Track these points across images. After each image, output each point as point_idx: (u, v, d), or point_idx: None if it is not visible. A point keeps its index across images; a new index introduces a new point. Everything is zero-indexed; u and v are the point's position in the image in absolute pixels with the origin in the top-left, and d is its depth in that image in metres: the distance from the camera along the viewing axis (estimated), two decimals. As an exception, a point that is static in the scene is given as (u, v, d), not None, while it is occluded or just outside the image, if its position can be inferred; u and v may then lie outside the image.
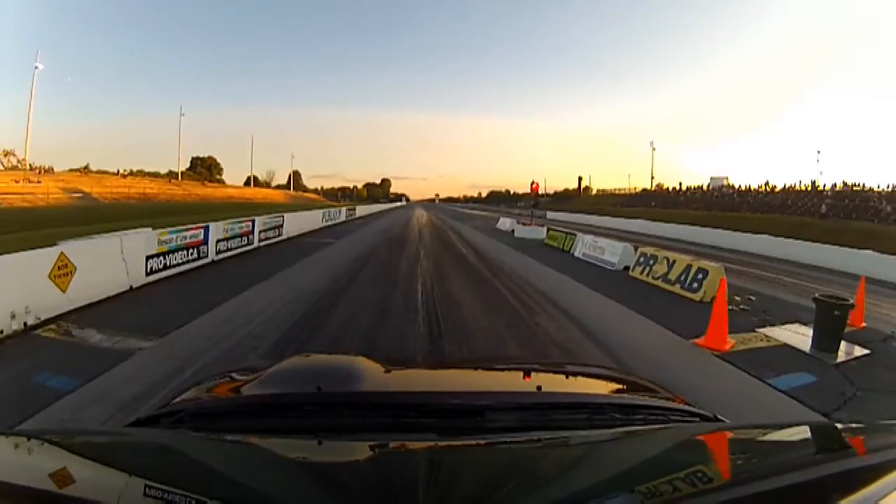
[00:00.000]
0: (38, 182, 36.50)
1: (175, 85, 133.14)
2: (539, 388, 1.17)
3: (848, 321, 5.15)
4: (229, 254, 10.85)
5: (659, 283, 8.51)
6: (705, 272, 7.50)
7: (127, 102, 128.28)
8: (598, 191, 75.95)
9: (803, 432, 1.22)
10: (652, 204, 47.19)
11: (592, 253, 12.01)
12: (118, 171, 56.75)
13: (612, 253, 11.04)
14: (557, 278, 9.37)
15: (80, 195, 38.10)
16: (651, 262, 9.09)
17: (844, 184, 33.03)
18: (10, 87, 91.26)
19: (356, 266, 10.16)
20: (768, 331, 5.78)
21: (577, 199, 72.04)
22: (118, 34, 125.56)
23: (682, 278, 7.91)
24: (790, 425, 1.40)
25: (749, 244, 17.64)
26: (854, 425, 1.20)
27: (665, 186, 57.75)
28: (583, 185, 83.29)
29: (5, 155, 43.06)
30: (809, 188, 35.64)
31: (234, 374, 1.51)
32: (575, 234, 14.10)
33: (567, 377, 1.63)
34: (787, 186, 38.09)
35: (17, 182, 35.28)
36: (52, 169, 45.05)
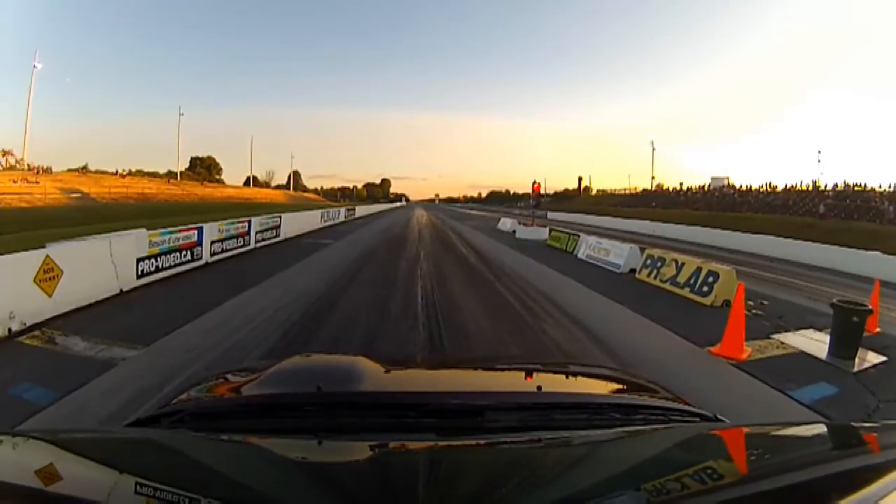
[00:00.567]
0: (37, 182, 36.32)
1: (175, 85, 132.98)
2: (539, 388, 1.17)
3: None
4: (224, 255, 10.64)
5: (667, 286, 8.27)
6: (716, 275, 7.28)
7: (126, 102, 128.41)
8: (598, 191, 75.92)
9: (803, 432, 1.22)
10: (652, 204, 47.05)
11: (597, 254, 11.79)
12: (117, 172, 56.51)
13: (618, 255, 10.81)
14: (562, 281, 9.15)
15: (78, 195, 37.93)
16: (658, 264, 8.86)
17: (846, 184, 32.90)
18: (9, 87, 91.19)
19: (355, 267, 9.96)
20: (783, 337, 5.58)
21: (577, 199, 71.93)
22: (118, 34, 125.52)
23: (692, 281, 7.68)
24: (790, 425, 1.44)
25: (753, 245, 17.45)
26: (855, 424, 1.17)
27: (665, 186, 57.69)
28: (583, 186, 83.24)
29: (3, 155, 42.92)
30: (811, 188, 35.50)
31: (234, 375, 1.52)
32: (578, 235, 13.89)
33: (567, 377, 1.63)
34: (788, 186, 37.97)
35: (15, 182, 35.12)
36: (51, 169, 44.87)
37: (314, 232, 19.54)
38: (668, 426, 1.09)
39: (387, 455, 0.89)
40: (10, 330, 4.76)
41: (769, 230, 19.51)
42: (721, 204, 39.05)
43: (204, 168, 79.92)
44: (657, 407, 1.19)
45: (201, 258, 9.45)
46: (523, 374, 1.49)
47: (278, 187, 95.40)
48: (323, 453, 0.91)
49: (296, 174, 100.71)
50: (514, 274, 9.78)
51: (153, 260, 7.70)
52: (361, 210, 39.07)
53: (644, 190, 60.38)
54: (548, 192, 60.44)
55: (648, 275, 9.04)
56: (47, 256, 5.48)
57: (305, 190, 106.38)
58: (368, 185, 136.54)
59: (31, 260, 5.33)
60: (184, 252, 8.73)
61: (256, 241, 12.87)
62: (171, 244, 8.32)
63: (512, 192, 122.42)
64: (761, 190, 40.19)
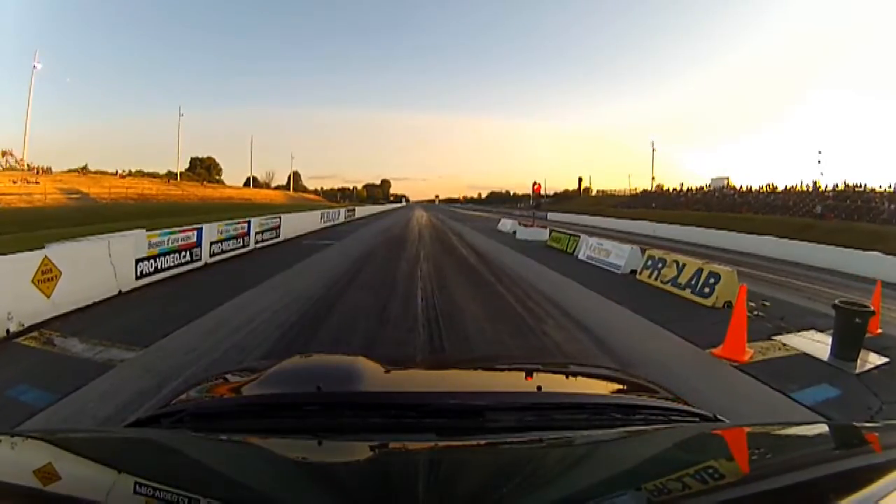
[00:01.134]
0: (36, 182, 36.32)
1: (175, 85, 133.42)
2: (539, 388, 1.16)
3: (865, 328, 4.94)
4: (224, 256, 10.63)
5: (668, 287, 8.24)
6: (717, 276, 7.25)
7: (126, 102, 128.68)
8: (598, 191, 75.94)
9: (804, 432, 1.22)
10: (652, 205, 47.08)
11: (597, 255, 11.76)
12: (117, 172, 56.54)
13: (619, 256, 10.79)
14: (563, 282, 9.13)
15: (77, 195, 37.94)
16: (659, 265, 8.83)
17: (846, 184, 32.91)
18: (8, 87, 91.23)
19: (355, 268, 9.94)
20: (784, 338, 5.56)
21: (577, 199, 71.96)
22: (118, 34, 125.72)
23: (693, 282, 7.65)
24: (791, 425, 1.43)
25: (753, 246, 17.42)
26: (856, 424, 1.18)
27: (666, 187, 57.74)
28: (583, 186, 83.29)
29: (3, 155, 42.82)
30: (811, 189, 35.51)
31: (234, 375, 1.51)
32: (578, 236, 13.87)
33: (567, 377, 1.63)
34: (788, 187, 38.01)
35: (14, 182, 35.13)
36: (51, 169, 44.91)
37: (314, 233, 19.54)
38: (668, 426, 1.08)
39: (387, 455, 0.89)
40: (8, 331, 4.75)
41: (769, 231, 19.50)
42: (721, 204, 39.06)
43: (204, 169, 79.94)
44: (657, 407, 1.19)
45: (200, 259, 9.43)
46: (523, 374, 1.49)
47: (278, 188, 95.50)
48: (323, 453, 0.90)
49: (296, 175, 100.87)
50: (515, 275, 9.76)
51: (152, 261, 7.69)
52: (361, 211, 39.09)
53: (644, 190, 60.42)
54: (548, 192, 60.57)
55: (649, 276, 9.02)
56: (46, 257, 5.47)
57: (305, 190, 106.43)
58: (368, 186, 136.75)
59: (29, 261, 5.32)
60: (183, 253, 8.71)
61: (256, 242, 12.85)
62: (171, 245, 8.30)
63: (512, 193, 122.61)
64: (761, 190, 40.22)
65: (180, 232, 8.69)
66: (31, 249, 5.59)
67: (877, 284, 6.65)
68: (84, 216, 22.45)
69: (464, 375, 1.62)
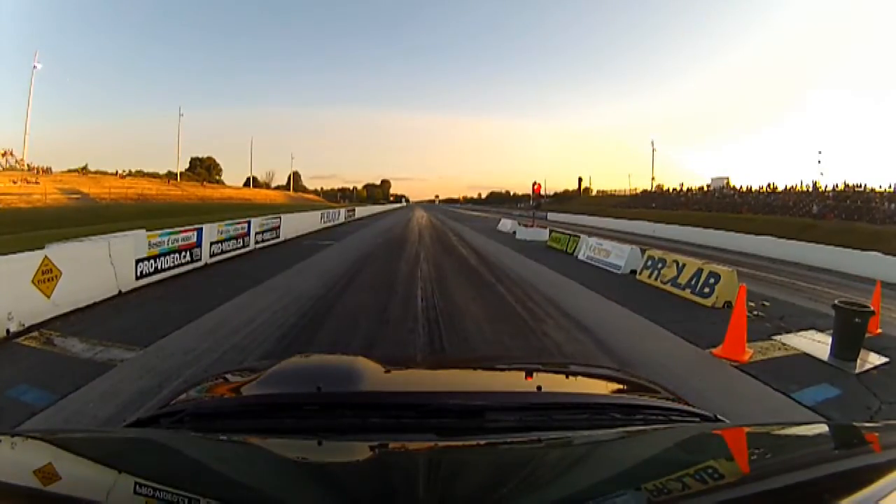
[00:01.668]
0: (36, 182, 36.31)
1: (175, 85, 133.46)
2: (539, 388, 1.15)
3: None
4: (224, 256, 10.62)
5: (668, 287, 8.24)
6: (717, 276, 7.25)
7: (126, 102, 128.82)
8: (598, 191, 76.00)
9: (804, 432, 1.22)
10: (652, 205, 47.08)
11: (597, 256, 11.76)
12: (117, 172, 56.58)
13: (619, 256, 10.79)
14: (563, 283, 9.12)
15: (77, 196, 37.94)
16: (659, 265, 8.83)
17: (846, 184, 32.92)
18: (8, 87, 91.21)
19: (355, 269, 9.94)
20: (784, 338, 5.56)
21: (577, 199, 71.93)
22: (118, 34, 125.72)
23: (693, 283, 7.65)
24: (791, 425, 1.42)
25: (753, 246, 17.41)
26: (856, 424, 1.18)
27: (666, 187, 57.75)
28: (583, 186, 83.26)
29: (3, 155, 42.74)
30: (811, 189, 35.51)
31: (234, 375, 1.51)
32: (578, 237, 13.87)
33: (567, 377, 1.63)
34: (788, 187, 38.01)
35: (14, 182, 35.12)
36: (51, 169, 44.90)
37: (314, 233, 19.53)
38: (668, 426, 1.08)
39: (387, 455, 0.89)
40: (8, 331, 4.74)
41: (769, 231, 19.50)
42: (721, 205, 39.07)
43: (204, 169, 79.93)
44: (657, 407, 1.19)
45: (200, 259, 9.42)
46: (523, 374, 1.48)
47: (278, 188, 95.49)
48: (323, 453, 0.90)
49: (296, 175, 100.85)
50: (515, 276, 9.75)
51: (152, 261, 7.68)
52: (361, 211, 39.06)
53: (644, 191, 60.44)
54: (548, 192, 60.52)
55: (649, 276, 9.02)
56: (46, 257, 5.47)
57: (305, 191, 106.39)
58: (368, 186, 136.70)
59: (29, 261, 5.31)
60: (183, 253, 8.70)
61: (256, 243, 12.84)
62: (171, 245, 8.29)
63: (512, 193, 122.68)
64: (761, 190, 40.22)
65: (180, 232, 8.68)
66: (31, 249, 5.59)
67: (876, 284, 6.65)
68: (84, 216, 22.44)
69: (464, 375, 1.62)
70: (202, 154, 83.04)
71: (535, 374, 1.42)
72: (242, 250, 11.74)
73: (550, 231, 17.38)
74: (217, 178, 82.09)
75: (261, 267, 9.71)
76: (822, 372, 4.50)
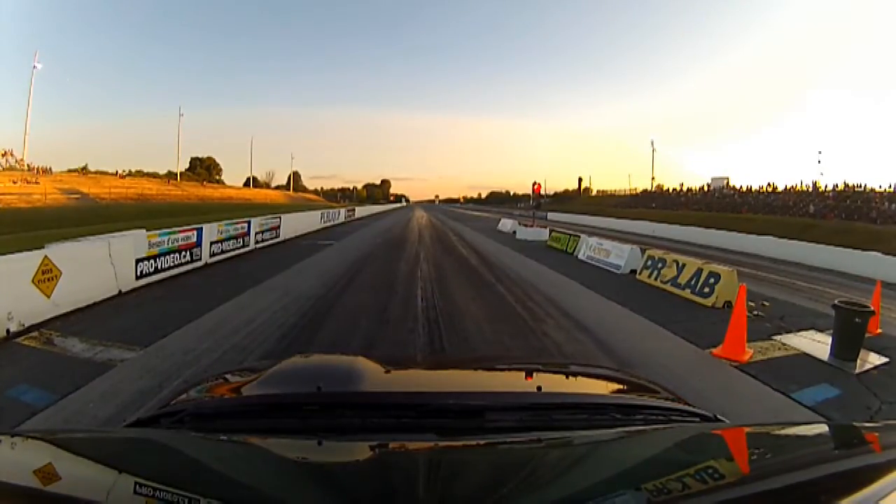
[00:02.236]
0: (36, 182, 36.32)
1: (175, 85, 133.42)
2: (539, 388, 1.15)
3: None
4: (224, 256, 10.63)
5: (668, 287, 8.24)
6: (717, 276, 7.25)
7: (126, 102, 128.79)
8: (598, 191, 75.99)
9: (804, 432, 1.22)
10: (652, 205, 47.07)
11: (597, 255, 11.76)
12: (117, 172, 56.55)
13: (619, 256, 10.79)
14: (563, 282, 9.12)
15: (77, 196, 37.94)
16: (659, 265, 8.83)
17: (846, 184, 32.91)
18: (8, 87, 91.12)
19: (355, 269, 9.94)
20: (785, 338, 5.56)
21: (577, 199, 71.92)
22: (118, 34, 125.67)
23: (693, 282, 7.65)
24: (791, 425, 1.42)
25: (753, 246, 17.40)
26: (856, 424, 1.18)
27: (666, 187, 57.73)
28: (583, 186, 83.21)
29: (3, 155, 42.71)
30: (811, 189, 35.51)
31: (234, 375, 1.51)
32: (578, 236, 13.87)
33: (567, 377, 1.63)
34: (788, 187, 38.00)
35: (14, 182, 35.12)
36: (51, 169, 44.88)
37: (314, 233, 19.54)
38: (668, 426, 1.08)
39: (387, 455, 0.89)
40: (8, 331, 4.75)
41: (769, 231, 19.48)
42: (721, 205, 39.06)
43: (204, 169, 79.91)
44: (657, 407, 1.19)
45: (200, 259, 9.42)
46: (523, 374, 1.48)
47: (278, 188, 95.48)
48: (323, 453, 0.90)
49: (296, 175, 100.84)
50: (515, 275, 9.75)
51: (152, 261, 7.68)
52: (361, 211, 39.08)
53: (644, 191, 60.42)
54: (548, 192, 60.57)
55: (649, 276, 9.02)
56: (46, 257, 5.47)
57: (305, 190, 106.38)
58: (368, 186, 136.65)
59: (29, 260, 5.32)
60: (183, 253, 8.70)
61: (256, 242, 12.85)
62: (171, 245, 8.29)
63: (512, 193, 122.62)
64: (762, 190, 40.21)
65: (180, 232, 8.69)
66: (31, 249, 5.59)
67: (876, 284, 6.65)
68: (84, 216, 22.44)
69: (464, 375, 1.62)
70: (202, 154, 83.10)
71: (535, 374, 1.42)
72: (242, 250, 11.75)
73: (550, 231, 17.37)
74: (217, 178, 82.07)
75: (261, 267, 9.71)
76: (822, 372, 4.50)
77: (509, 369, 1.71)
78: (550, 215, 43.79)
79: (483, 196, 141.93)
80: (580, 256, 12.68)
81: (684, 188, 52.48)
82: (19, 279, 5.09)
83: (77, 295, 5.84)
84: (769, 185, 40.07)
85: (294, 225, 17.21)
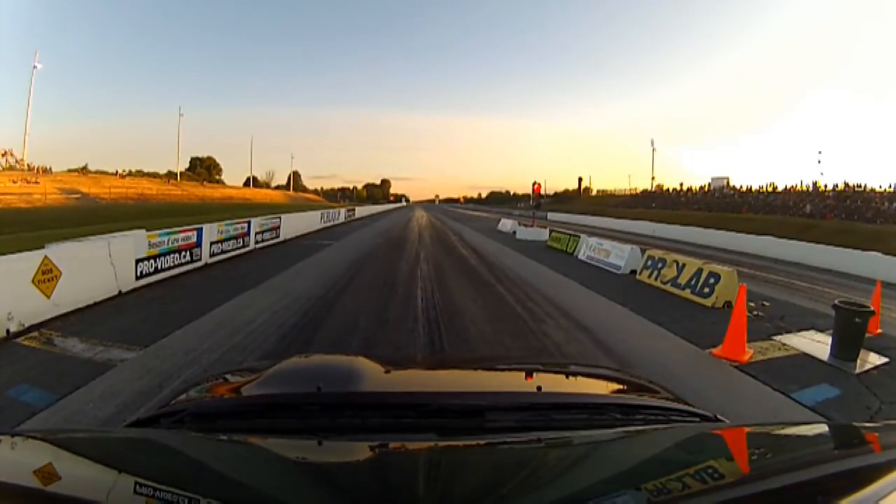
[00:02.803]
0: (36, 182, 36.33)
1: (175, 85, 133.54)
2: (539, 388, 1.15)
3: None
4: (224, 256, 10.62)
5: (668, 287, 8.24)
6: (717, 276, 7.25)
7: (126, 102, 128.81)
8: (598, 191, 76.03)
9: (804, 432, 1.22)
10: (652, 205, 47.08)
11: (597, 256, 11.76)
12: (117, 172, 56.63)
13: (619, 256, 10.79)
14: (563, 283, 9.12)
15: (77, 195, 37.96)
16: (659, 265, 8.83)
17: (846, 184, 32.93)
18: (8, 87, 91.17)
19: (354, 269, 9.93)
20: (784, 338, 5.56)
21: (577, 199, 71.90)
22: (118, 34, 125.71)
23: (693, 283, 7.65)
24: (791, 425, 1.42)
25: (753, 246, 17.40)
26: (856, 424, 1.19)
27: (666, 187, 57.79)
28: (583, 186, 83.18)
29: (3, 155, 42.76)
30: (811, 189, 35.53)
31: (234, 375, 1.51)
32: (578, 237, 13.86)
33: (567, 377, 1.63)
34: (788, 187, 38.03)
35: (14, 182, 35.15)
36: (51, 169, 44.92)
37: (314, 233, 19.53)
38: (668, 426, 1.08)
39: (387, 455, 0.89)
40: (8, 331, 4.74)
41: (770, 231, 19.49)
42: (721, 204, 39.07)
43: (204, 168, 79.94)
44: (657, 407, 1.18)
45: (200, 259, 9.42)
46: (523, 374, 1.48)
47: (278, 188, 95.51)
48: (323, 453, 0.90)
49: (296, 175, 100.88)
50: (515, 276, 9.75)
51: (152, 261, 7.68)
52: (361, 211, 39.06)
53: (644, 190, 60.47)
54: (548, 192, 60.67)
55: (649, 276, 9.02)
56: (46, 257, 5.46)
57: (305, 190, 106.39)
58: (368, 186, 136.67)
59: (29, 261, 5.31)
60: (183, 253, 8.70)
61: (256, 242, 12.84)
62: (171, 245, 8.29)
63: (512, 193, 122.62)
64: (761, 190, 40.23)
65: (180, 232, 8.68)
66: (31, 249, 5.59)
67: (876, 284, 6.64)
68: (84, 216, 22.43)
69: (464, 375, 1.62)
70: (202, 154, 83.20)
71: (534, 375, 1.42)
72: (242, 250, 11.74)
73: (550, 231, 17.37)
74: (217, 177, 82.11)
75: (261, 267, 9.71)
76: (822, 372, 4.50)
77: (509, 369, 1.71)
78: (550, 215, 43.79)
79: (483, 196, 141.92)
80: (580, 256, 12.68)
81: (684, 188, 52.56)
82: (19, 279, 5.09)
83: (77, 295, 5.84)
84: (769, 185, 40.11)
85: (294, 225, 17.20)
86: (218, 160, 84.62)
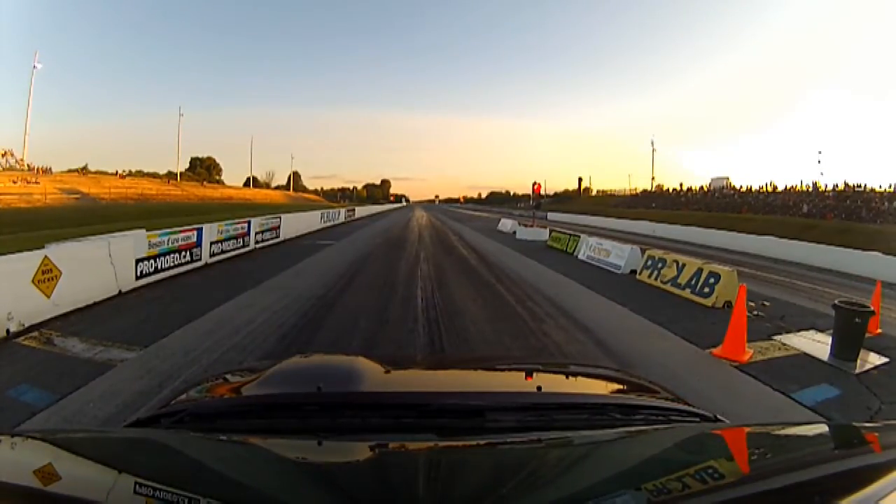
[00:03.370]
0: (36, 182, 36.30)
1: (175, 85, 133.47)
2: (539, 388, 1.15)
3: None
4: (224, 256, 10.63)
5: (668, 287, 8.24)
6: (717, 276, 7.25)
7: (126, 102, 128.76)
8: (598, 191, 76.12)
9: (804, 432, 1.22)
10: (652, 205, 47.10)
11: (597, 256, 11.76)
12: (117, 172, 56.60)
13: (619, 256, 10.79)
14: (563, 283, 9.12)
15: (77, 196, 37.94)
16: (659, 265, 8.83)
17: (846, 184, 32.92)
18: (8, 87, 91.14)
19: (354, 269, 9.94)
20: (785, 338, 5.56)
21: (577, 199, 71.92)
22: (118, 34, 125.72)
23: (693, 282, 7.65)
24: (791, 425, 1.42)
25: (754, 246, 17.38)
26: (856, 424, 1.18)
27: (666, 187, 57.82)
28: (583, 186, 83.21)
29: (3, 155, 42.73)
30: (811, 189, 35.52)
31: (234, 375, 1.51)
32: (578, 236, 13.86)
33: (567, 377, 1.63)
34: (788, 187, 38.03)
35: (14, 182, 35.12)
36: (51, 169, 44.90)
37: (314, 233, 19.54)
38: (668, 426, 1.08)
39: (387, 455, 0.89)
40: (8, 331, 4.75)
41: (770, 231, 19.48)
42: (721, 204, 39.08)
43: (204, 169, 79.94)
44: (657, 407, 1.19)
45: (200, 259, 9.42)
46: (523, 374, 1.48)
47: (278, 188, 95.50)
48: (323, 453, 0.90)
49: (296, 175, 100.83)
50: (515, 275, 9.75)
51: (152, 261, 7.68)
52: (361, 211, 39.08)
53: (644, 191, 60.50)
54: (548, 192, 60.64)
55: (649, 276, 9.01)
56: (46, 257, 5.47)
57: (305, 190, 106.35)
58: (368, 186, 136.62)
59: (29, 260, 5.31)
60: (183, 253, 8.70)
61: (256, 242, 12.85)
62: (171, 245, 8.29)
63: (512, 193, 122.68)
64: (762, 190, 40.24)
65: (180, 232, 8.68)
66: (31, 249, 5.59)
67: (877, 284, 6.64)
68: (84, 216, 22.42)
69: (464, 375, 1.62)
70: (202, 154, 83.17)
71: (534, 375, 1.42)
72: (242, 250, 11.75)
73: (550, 231, 17.37)
74: (217, 178, 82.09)
75: (261, 267, 9.71)
76: (822, 372, 4.50)
77: (509, 369, 1.71)
78: (550, 215, 43.79)
79: (483, 196, 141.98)
80: (580, 256, 12.68)
81: (684, 188, 52.58)
82: (19, 279, 5.09)
83: (77, 295, 5.84)
84: (769, 185, 40.11)
85: (294, 225, 17.20)
86: (218, 160, 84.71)
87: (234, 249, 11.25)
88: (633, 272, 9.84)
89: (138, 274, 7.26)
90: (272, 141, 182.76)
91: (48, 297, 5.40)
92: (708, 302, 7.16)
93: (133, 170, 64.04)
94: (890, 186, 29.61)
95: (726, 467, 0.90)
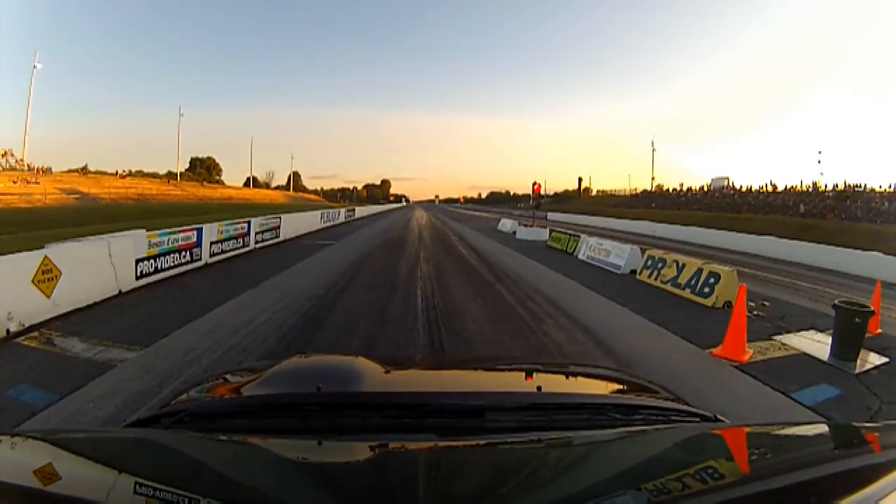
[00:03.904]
0: (36, 182, 36.34)
1: (175, 85, 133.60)
2: (539, 388, 1.14)
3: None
4: (224, 256, 10.63)
5: (668, 287, 8.24)
6: (717, 276, 7.25)
7: (126, 102, 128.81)
8: (598, 191, 76.12)
9: (804, 432, 1.22)
10: (652, 205, 47.08)
11: (597, 256, 11.76)
12: (117, 172, 56.65)
13: (619, 256, 10.79)
14: (563, 282, 9.12)
15: (78, 196, 37.96)
16: (659, 265, 8.83)
17: (846, 184, 32.92)
18: (8, 87, 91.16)
19: (355, 269, 9.94)
20: (784, 338, 5.56)
21: (577, 199, 71.90)
22: (118, 34, 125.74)
23: (693, 282, 7.65)
24: (791, 425, 1.42)
25: (754, 246, 17.37)
26: (856, 424, 1.19)
27: (666, 187, 57.81)
28: (583, 186, 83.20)
29: (3, 155, 42.73)
30: (811, 189, 35.52)
31: (234, 375, 1.51)
32: (578, 236, 13.86)
33: (567, 377, 1.63)
34: (788, 187, 38.03)
35: (14, 182, 35.16)
36: (51, 169, 44.93)
37: (314, 233, 19.54)
38: (668, 426, 1.08)
39: (387, 455, 0.89)
40: (8, 331, 4.75)
41: (770, 231, 19.47)
42: (721, 204, 39.06)
43: (204, 169, 79.95)
44: (657, 407, 1.19)
45: (200, 259, 9.43)
46: (523, 374, 1.48)
47: (278, 188, 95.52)
48: (323, 453, 0.90)
49: (296, 175, 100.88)
50: (515, 275, 9.74)
51: (152, 261, 7.68)
52: (361, 211, 39.09)
53: (644, 191, 60.50)
54: (548, 192, 60.65)
55: (649, 276, 9.01)
56: (46, 257, 5.47)
57: (305, 190, 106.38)
58: (368, 186, 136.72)
59: (29, 261, 5.32)
60: (183, 253, 8.70)
61: (256, 242, 12.85)
62: (170, 245, 8.29)
63: (512, 193, 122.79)
64: (762, 190, 40.22)
65: (180, 232, 8.68)
66: (31, 249, 5.59)
67: (877, 284, 6.64)
68: (84, 216, 22.43)
69: (464, 375, 1.62)
70: (202, 154, 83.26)
71: (534, 375, 1.42)
72: (242, 250, 11.75)
73: (550, 231, 17.37)
74: (217, 178, 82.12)
75: (261, 267, 9.71)
76: (822, 372, 4.50)
77: (509, 369, 1.71)
78: (550, 215, 43.79)
79: (483, 196, 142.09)
80: (580, 256, 12.68)
81: (684, 188, 52.57)
82: (19, 279, 5.09)
83: (77, 295, 5.84)
84: (770, 184, 40.10)
85: (294, 225, 17.21)
86: (218, 160, 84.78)
87: (234, 249, 11.25)
88: (633, 272, 9.84)
89: (138, 274, 7.25)
90: (272, 141, 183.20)
91: (48, 297, 5.40)
92: (708, 302, 7.16)
93: (133, 170, 64.17)
94: (890, 186, 29.64)
95: (726, 467, 0.90)
